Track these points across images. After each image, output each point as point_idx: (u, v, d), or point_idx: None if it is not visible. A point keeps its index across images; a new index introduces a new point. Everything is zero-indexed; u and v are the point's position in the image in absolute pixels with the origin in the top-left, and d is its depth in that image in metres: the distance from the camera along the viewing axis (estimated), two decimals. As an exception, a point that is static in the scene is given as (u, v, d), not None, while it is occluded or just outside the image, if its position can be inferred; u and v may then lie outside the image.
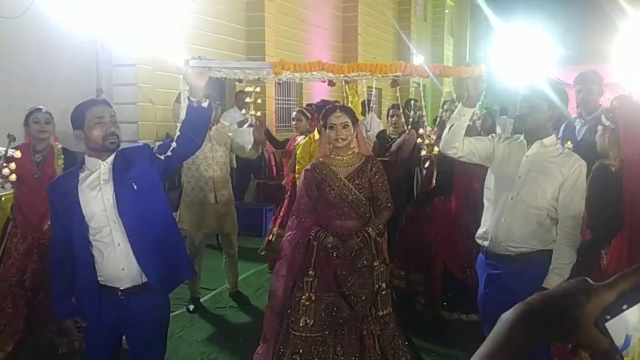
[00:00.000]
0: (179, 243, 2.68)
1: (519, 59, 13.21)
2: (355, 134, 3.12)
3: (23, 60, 6.56)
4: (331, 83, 3.54)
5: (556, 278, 2.55)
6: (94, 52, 6.62)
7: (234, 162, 6.26)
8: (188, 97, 2.42)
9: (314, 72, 2.98)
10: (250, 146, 4.54)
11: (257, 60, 8.99)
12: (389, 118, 5.81)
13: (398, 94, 3.73)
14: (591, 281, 0.68)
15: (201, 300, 4.69)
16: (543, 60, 12.93)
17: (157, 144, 2.60)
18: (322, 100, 4.53)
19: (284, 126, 10.11)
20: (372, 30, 13.58)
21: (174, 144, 2.46)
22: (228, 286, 4.85)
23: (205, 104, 2.46)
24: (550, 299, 0.69)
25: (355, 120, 3.13)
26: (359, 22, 12.57)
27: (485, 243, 2.81)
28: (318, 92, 10.56)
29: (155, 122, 6.99)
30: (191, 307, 4.55)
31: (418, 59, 14.03)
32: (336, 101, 3.32)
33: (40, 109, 3.78)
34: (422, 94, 4.52)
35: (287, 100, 10.52)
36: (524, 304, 0.71)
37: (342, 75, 3.04)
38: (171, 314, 4.32)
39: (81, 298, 2.52)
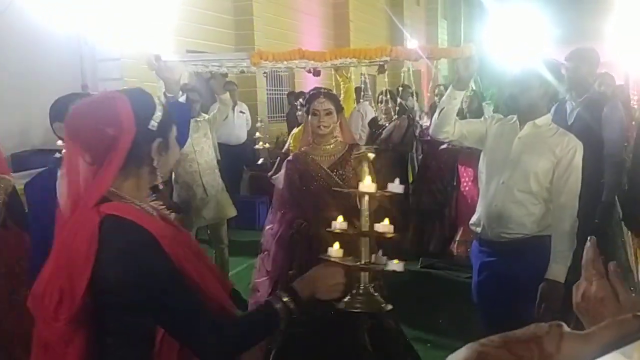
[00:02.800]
0: None
1: (514, 40, 13.05)
2: (338, 122, 3.00)
3: (6, 58, 6.43)
4: (316, 73, 3.39)
5: (559, 267, 2.43)
6: (78, 48, 6.47)
7: (218, 154, 6.14)
8: (164, 93, 2.32)
9: (295, 61, 2.85)
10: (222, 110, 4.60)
11: (247, 51, 8.83)
12: (379, 104, 5.70)
13: (386, 79, 3.60)
14: (566, 327, 0.55)
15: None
16: (538, 40, 12.78)
17: None
18: (315, 88, 4.40)
19: (276, 117, 9.98)
20: (363, 16, 13.39)
21: None
22: (219, 282, 4.74)
23: (182, 99, 2.34)
24: (513, 344, 0.57)
25: (339, 109, 3.02)
26: (350, 8, 12.38)
27: (479, 229, 2.70)
28: (311, 81, 10.36)
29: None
30: None
31: (412, 43, 13.85)
32: (325, 88, 3.18)
33: None
34: (411, 79, 4.37)
35: (279, 90, 10.37)
36: (481, 345, 0.58)
37: (325, 62, 2.91)
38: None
39: None
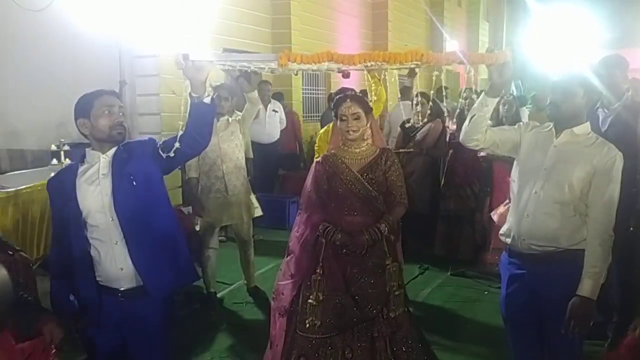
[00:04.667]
0: (181, 244, 2.52)
1: (560, 44, 12.68)
2: (368, 124, 2.93)
3: (48, 53, 6.61)
4: (346, 75, 3.34)
5: (590, 283, 2.32)
6: (116, 44, 6.58)
7: (250, 152, 6.13)
8: (189, 94, 2.29)
9: (323, 63, 2.79)
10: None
11: (283, 49, 8.84)
12: (414, 106, 5.59)
13: (416, 82, 3.53)
14: None
15: (218, 295, 4.59)
16: (586, 45, 12.38)
17: (163, 139, 2.46)
18: (342, 89, 4.34)
19: (311, 116, 9.96)
20: (403, 17, 13.24)
21: (177, 144, 2.31)
22: (245, 281, 4.74)
23: (207, 100, 2.32)
24: None
25: (368, 110, 2.95)
26: (389, 9, 12.25)
27: (508, 240, 2.61)
28: (347, 81, 10.31)
29: (178, 113, 6.92)
30: (207, 302, 4.46)
31: (452, 45, 13.63)
32: (351, 89, 3.10)
33: None
34: (442, 82, 4.27)
35: (315, 90, 10.34)
36: None
37: (354, 65, 2.85)
38: (186, 310, 4.29)
39: (81, 299, 2.41)
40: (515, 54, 2.56)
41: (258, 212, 4.63)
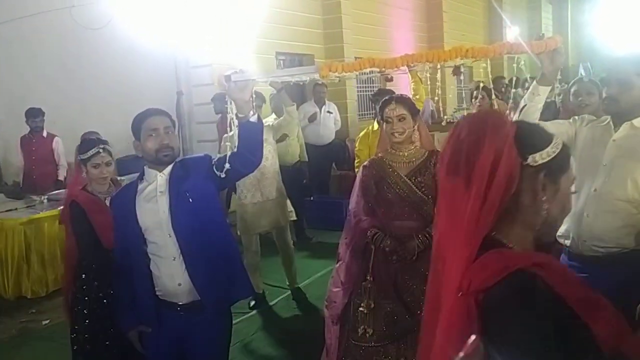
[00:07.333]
0: (236, 260, 2.55)
1: (631, 21, 11.96)
2: (416, 126, 2.85)
3: (108, 69, 6.88)
4: (389, 79, 3.29)
5: None
6: (172, 56, 6.77)
7: (305, 155, 6.18)
8: (236, 115, 2.28)
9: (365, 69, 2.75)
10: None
11: (335, 49, 8.85)
12: (473, 100, 5.40)
13: (475, 70, 3.40)
14: None
15: (275, 300, 4.66)
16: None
17: (218, 156, 2.46)
18: (380, 90, 4.28)
19: (366, 115, 9.89)
20: (458, 6, 12.88)
21: (227, 165, 2.30)
22: (287, 284, 4.77)
23: (253, 118, 2.31)
24: None
25: (415, 112, 2.86)
26: (444, -1, 11.97)
27: (567, 242, 2.47)
28: (402, 78, 10.18)
29: (234, 120, 7.04)
30: (252, 303, 4.51)
31: (512, 30, 13.13)
32: (391, 91, 3.01)
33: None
34: (489, 77, 4.06)
35: (370, 87, 10.24)
36: None
37: (397, 68, 2.79)
38: (242, 318, 4.29)
39: (141, 313, 2.46)
40: (582, 35, 2.41)
41: (292, 215, 4.73)
